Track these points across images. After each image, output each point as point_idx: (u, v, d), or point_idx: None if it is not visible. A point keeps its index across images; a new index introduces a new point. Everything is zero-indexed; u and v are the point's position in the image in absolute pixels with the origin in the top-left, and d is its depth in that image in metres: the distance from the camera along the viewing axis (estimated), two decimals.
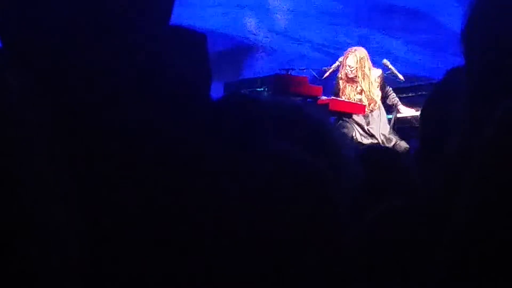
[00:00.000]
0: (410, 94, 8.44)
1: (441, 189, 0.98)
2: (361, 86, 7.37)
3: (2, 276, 0.61)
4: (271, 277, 0.83)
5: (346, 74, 7.37)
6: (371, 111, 7.42)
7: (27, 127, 0.67)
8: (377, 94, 7.47)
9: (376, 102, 7.46)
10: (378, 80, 7.52)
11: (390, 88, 7.78)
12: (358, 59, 7.38)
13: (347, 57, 7.41)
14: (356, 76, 7.35)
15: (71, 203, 0.69)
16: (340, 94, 7.47)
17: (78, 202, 0.69)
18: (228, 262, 0.80)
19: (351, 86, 7.43)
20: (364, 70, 7.36)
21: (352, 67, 7.33)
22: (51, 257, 0.65)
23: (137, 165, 0.80)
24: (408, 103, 8.03)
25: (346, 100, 7.42)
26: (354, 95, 7.41)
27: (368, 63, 7.42)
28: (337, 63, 7.85)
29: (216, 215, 0.81)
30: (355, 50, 7.46)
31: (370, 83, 7.41)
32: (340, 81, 7.51)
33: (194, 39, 0.93)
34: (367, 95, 7.38)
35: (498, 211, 0.80)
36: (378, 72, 7.57)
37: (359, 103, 7.39)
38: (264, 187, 0.84)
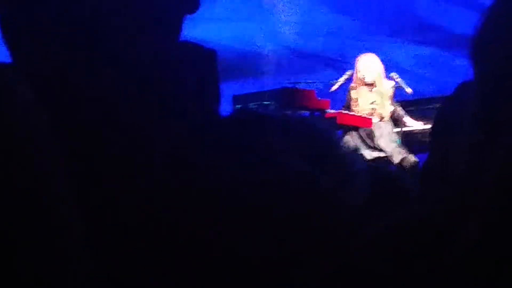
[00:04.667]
0: (417, 107, 8.44)
1: (449, 203, 0.98)
2: (378, 89, 7.37)
3: (6, 277, 0.61)
4: None
5: (361, 79, 7.36)
6: (380, 119, 7.42)
7: (32, 128, 0.67)
8: (389, 104, 7.48)
9: (386, 111, 7.47)
10: (391, 90, 7.53)
11: (397, 104, 7.79)
12: (373, 61, 7.40)
13: (361, 60, 7.42)
14: (373, 80, 7.35)
15: (74, 204, 0.69)
16: (352, 104, 7.47)
17: (80, 203, 0.69)
18: (228, 269, 0.80)
19: (364, 96, 7.43)
20: (380, 72, 7.39)
21: (370, 68, 7.33)
22: (54, 258, 0.65)
23: (144, 177, 0.80)
24: (415, 116, 8.03)
25: (354, 113, 7.42)
26: (367, 105, 7.41)
27: (382, 66, 7.46)
28: (345, 76, 7.86)
29: (221, 229, 0.81)
30: (367, 54, 7.49)
31: (385, 89, 7.43)
32: (352, 91, 7.51)
33: (204, 55, 0.94)
34: (382, 100, 7.38)
35: (508, 228, 0.80)
36: (391, 83, 7.59)
37: (368, 116, 7.40)
38: (271, 201, 0.84)
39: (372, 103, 7.43)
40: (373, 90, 7.44)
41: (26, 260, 0.63)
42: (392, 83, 7.65)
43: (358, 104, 7.44)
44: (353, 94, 7.51)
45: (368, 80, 7.38)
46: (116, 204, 0.79)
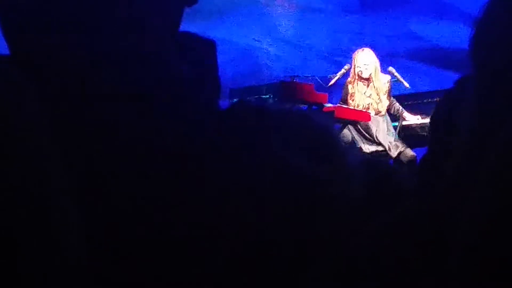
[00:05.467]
0: (415, 102, 8.44)
1: (447, 198, 0.98)
2: (374, 84, 7.38)
3: (6, 276, 0.61)
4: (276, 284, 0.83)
5: (358, 74, 7.38)
6: (377, 114, 7.43)
7: (32, 127, 0.66)
8: (385, 99, 7.50)
9: (383, 105, 7.48)
10: (387, 85, 7.54)
11: (393, 99, 7.80)
12: (370, 55, 7.41)
13: (358, 55, 7.43)
14: (369, 75, 7.35)
15: (74, 203, 0.69)
16: (349, 98, 7.48)
17: (80, 201, 0.69)
18: (229, 268, 0.80)
19: (360, 90, 7.44)
20: (376, 66, 7.40)
21: (367, 64, 7.35)
22: (54, 257, 0.65)
23: (141, 169, 0.80)
24: (412, 110, 8.04)
25: (352, 107, 7.43)
26: (364, 99, 7.42)
27: (378, 61, 7.47)
28: (343, 70, 7.86)
29: (218, 223, 0.81)
30: (363, 49, 7.50)
31: (381, 84, 7.44)
32: (349, 86, 7.53)
33: (203, 47, 0.93)
34: (378, 95, 7.39)
35: (505, 224, 0.80)
36: (387, 77, 7.60)
37: (366, 110, 7.40)
38: (268, 195, 0.84)
39: (368, 97, 7.44)
40: (369, 84, 7.45)
41: (25, 259, 0.63)
42: (389, 77, 7.66)
43: (354, 99, 7.45)
44: (349, 88, 7.52)
45: (365, 74, 7.39)
46: (115, 202, 0.78)
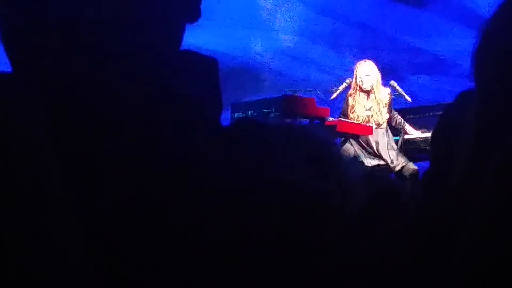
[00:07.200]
0: (416, 116, 8.45)
1: (449, 203, 0.98)
2: (375, 96, 7.39)
3: (6, 277, 0.61)
4: None
5: (359, 85, 7.38)
6: (377, 126, 7.43)
7: (32, 128, 0.67)
8: (385, 112, 7.50)
9: (383, 118, 7.48)
10: (388, 97, 7.54)
11: (395, 112, 7.80)
12: (372, 67, 7.43)
13: (360, 67, 7.45)
14: (371, 87, 7.36)
15: (73, 204, 0.69)
16: (349, 111, 7.48)
17: (79, 203, 0.69)
18: (228, 269, 0.80)
19: (361, 103, 7.44)
20: (378, 78, 7.41)
21: (368, 75, 7.36)
22: (54, 257, 0.65)
23: (141, 171, 0.80)
24: (414, 124, 8.04)
25: (352, 120, 7.43)
26: (364, 112, 7.42)
27: (379, 74, 7.48)
28: (345, 84, 7.87)
29: (222, 237, 0.81)
30: (365, 61, 7.52)
31: (382, 96, 7.45)
32: (350, 98, 7.53)
33: (205, 64, 0.94)
34: (379, 107, 7.39)
35: (507, 228, 0.80)
36: (387, 90, 7.61)
37: (366, 123, 7.40)
38: (267, 206, 0.84)
39: (368, 109, 7.44)
40: (370, 96, 7.46)
41: (25, 259, 0.63)
42: (389, 90, 7.66)
43: (354, 111, 7.45)
44: (350, 100, 7.53)
45: (366, 85, 7.40)
46: (115, 202, 0.78)
